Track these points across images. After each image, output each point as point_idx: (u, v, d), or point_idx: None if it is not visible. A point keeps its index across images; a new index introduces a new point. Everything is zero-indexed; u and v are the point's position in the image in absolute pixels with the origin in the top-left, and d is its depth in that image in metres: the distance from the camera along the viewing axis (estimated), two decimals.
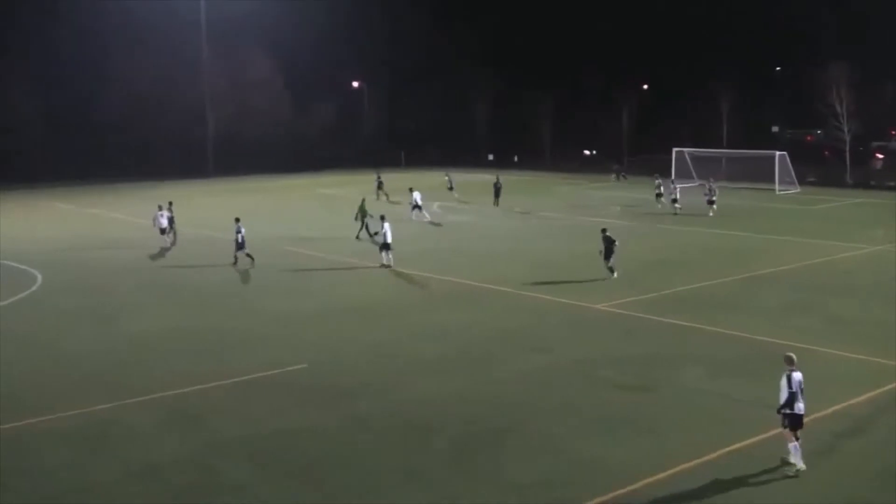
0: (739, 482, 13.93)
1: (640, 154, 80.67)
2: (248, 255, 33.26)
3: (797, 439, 14.21)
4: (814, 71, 69.25)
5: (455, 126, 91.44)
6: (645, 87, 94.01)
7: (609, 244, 30.01)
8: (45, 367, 21.09)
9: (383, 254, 32.82)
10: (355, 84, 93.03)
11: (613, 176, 71.71)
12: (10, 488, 14.40)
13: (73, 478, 14.74)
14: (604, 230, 30.61)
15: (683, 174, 63.53)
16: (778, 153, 60.85)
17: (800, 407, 14.25)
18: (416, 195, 46.37)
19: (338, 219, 43.03)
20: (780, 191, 58.87)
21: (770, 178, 59.77)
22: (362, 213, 40.25)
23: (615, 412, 17.25)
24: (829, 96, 65.94)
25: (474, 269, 32.33)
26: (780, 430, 14.59)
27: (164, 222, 38.74)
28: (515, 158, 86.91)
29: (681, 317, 24.59)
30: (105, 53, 74.90)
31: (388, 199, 52.97)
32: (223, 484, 14.39)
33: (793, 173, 60.57)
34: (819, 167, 67.64)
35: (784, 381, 14.25)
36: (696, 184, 58.13)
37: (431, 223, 44.94)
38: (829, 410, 16.70)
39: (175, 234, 39.11)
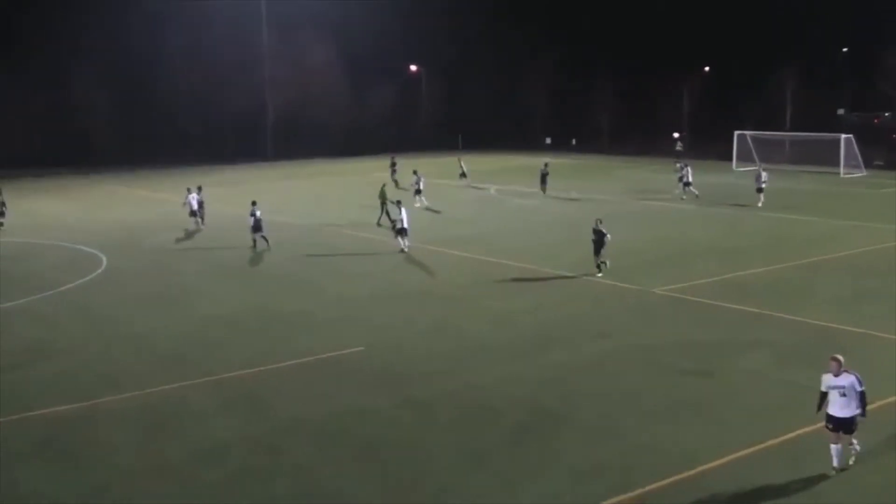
0: (800, 470, 13.74)
1: (704, 144, 78.91)
2: (264, 237, 34.05)
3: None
4: (882, 52, 67.43)
5: (513, 109, 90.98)
6: (707, 69, 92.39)
7: (599, 237, 27.96)
8: (112, 347, 21.60)
9: (399, 239, 32.96)
10: (413, 68, 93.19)
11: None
12: (79, 466, 14.82)
13: (140, 457, 15.07)
14: (598, 221, 28.44)
15: (745, 158, 62.52)
16: (843, 136, 59.41)
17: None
18: (420, 178, 46.27)
19: None
20: (845, 174, 57.58)
21: (835, 162, 58.49)
22: (382, 199, 40.25)
23: (677, 398, 17.13)
24: None
25: (529, 253, 32.25)
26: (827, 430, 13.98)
27: (195, 204, 39.51)
28: (573, 141, 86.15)
29: (743, 302, 24.27)
30: (169, 39, 75.90)
31: (396, 185, 52.69)
32: (286, 464, 14.61)
33: (859, 157, 59.19)
34: (886, 150, 65.94)
35: (856, 382, 13.64)
36: (753, 168, 57.12)
37: (429, 209, 44.55)
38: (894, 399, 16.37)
39: (203, 217, 39.89)
